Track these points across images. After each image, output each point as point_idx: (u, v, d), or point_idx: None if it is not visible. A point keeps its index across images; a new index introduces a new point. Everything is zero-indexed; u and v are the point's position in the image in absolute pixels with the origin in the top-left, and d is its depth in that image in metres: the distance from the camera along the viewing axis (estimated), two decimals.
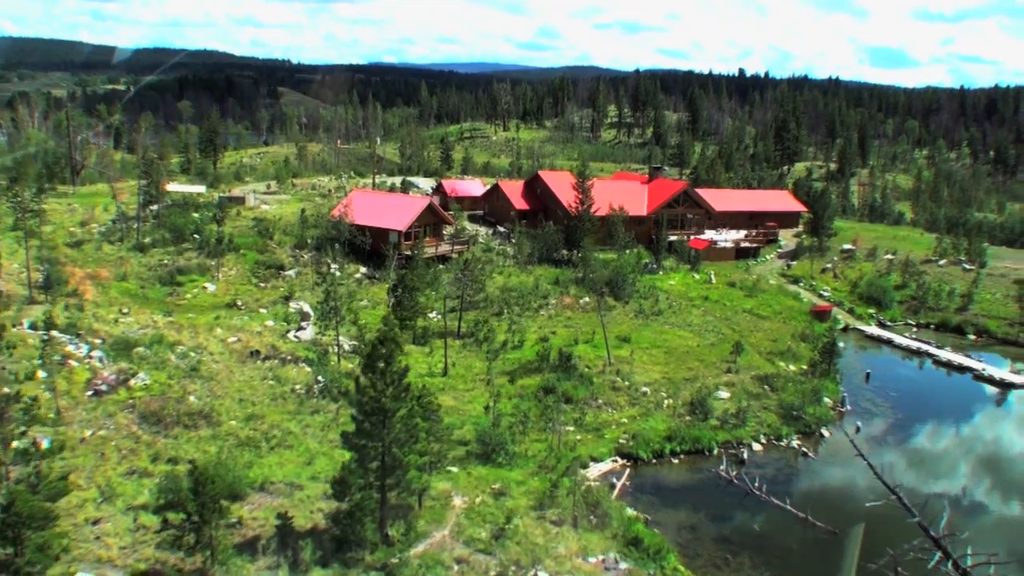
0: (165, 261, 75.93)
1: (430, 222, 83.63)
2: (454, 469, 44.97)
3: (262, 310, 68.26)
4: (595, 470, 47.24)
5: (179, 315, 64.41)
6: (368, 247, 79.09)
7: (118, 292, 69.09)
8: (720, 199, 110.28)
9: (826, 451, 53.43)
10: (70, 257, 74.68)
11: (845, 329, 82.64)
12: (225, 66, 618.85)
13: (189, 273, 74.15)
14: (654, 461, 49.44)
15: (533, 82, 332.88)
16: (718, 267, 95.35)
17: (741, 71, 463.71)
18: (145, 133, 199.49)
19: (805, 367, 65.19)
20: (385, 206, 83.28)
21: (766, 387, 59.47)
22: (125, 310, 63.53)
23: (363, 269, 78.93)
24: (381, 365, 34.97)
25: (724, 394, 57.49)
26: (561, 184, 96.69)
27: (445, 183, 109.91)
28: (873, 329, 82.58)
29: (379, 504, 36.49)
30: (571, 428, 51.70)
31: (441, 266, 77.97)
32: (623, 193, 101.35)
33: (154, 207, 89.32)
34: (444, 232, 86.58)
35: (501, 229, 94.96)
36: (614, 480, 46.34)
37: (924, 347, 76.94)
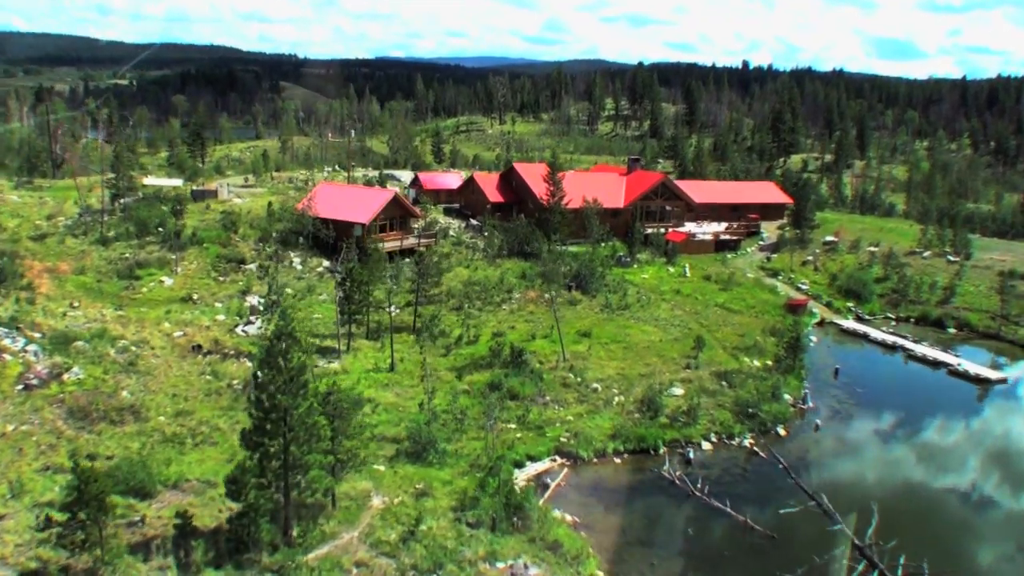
0: (126, 255, 74.57)
1: (396, 215, 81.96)
2: (381, 468, 43.43)
3: (217, 304, 66.76)
4: (531, 469, 45.57)
5: (131, 309, 63.01)
6: (332, 240, 77.50)
7: (74, 286, 67.70)
8: (701, 191, 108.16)
9: (781, 451, 51.44)
10: (31, 250, 73.34)
11: (821, 323, 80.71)
12: (231, 61, 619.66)
13: (148, 267, 72.74)
14: (595, 460, 47.71)
15: (535, 76, 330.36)
16: (696, 260, 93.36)
17: (745, 63, 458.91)
18: (140, 127, 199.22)
19: (770, 363, 63.30)
20: (349, 199, 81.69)
21: (724, 383, 57.66)
22: (75, 304, 62.19)
23: (326, 263, 77.31)
24: (278, 361, 33.39)
25: (678, 391, 55.71)
26: (535, 176, 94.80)
27: (421, 176, 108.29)
28: (850, 323, 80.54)
29: (282, 505, 34.96)
30: (513, 426, 50.04)
31: (407, 260, 76.28)
32: (600, 185, 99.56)
33: (124, 200, 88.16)
34: (412, 225, 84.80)
35: (474, 222, 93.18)
36: (549, 480, 44.67)
37: (900, 341, 74.87)
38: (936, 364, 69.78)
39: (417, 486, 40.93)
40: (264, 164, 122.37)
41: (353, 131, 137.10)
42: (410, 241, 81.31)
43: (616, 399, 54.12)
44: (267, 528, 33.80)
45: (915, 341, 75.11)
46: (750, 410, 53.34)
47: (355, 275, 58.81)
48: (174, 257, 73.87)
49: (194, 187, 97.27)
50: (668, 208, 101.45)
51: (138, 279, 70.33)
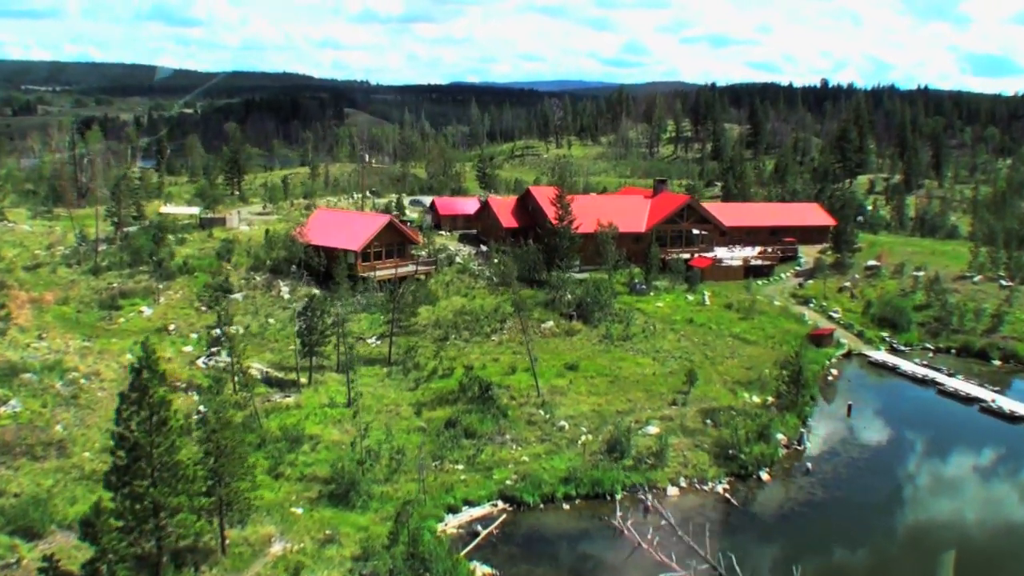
0: (115, 284, 74.82)
1: (394, 242, 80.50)
2: (298, 510, 41.30)
3: (193, 335, 66.11)
4: (465, 515, 42.77)
5: (100, 340, 62.76)
6: (323, 268, 76.40)
7: (54, 316, 68.02)
8: (735, 214, 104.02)
9: (762, 498, 47.49)
10: (20, 280, 74.21)
11: (848, 355, 75.84)
12: (302, 88, 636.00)
13: (133, 297, 72.77)
14: (542, 506, 44.62)
15: (598, 97, 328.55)
16: (721, 287, 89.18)
17: (824, 82, 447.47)
18: (191, 155, 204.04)
19: (771, 399, 59.22)
20: (342, 225, 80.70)
21: (708, 422, 53.87)
22: (43, 335, 62.20)
23: (316, 291, 76.14)
24: (141, 396, 31.65)
25: (653, 429, 52.18)
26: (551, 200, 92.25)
27: (437, 201, 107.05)
28: (880, 355, 75.33)
29: (155, 549, 33.06)
30: (460, 467, 47.37)
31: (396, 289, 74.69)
32: (623, 209, 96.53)
33: (130, 229, 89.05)
34: (413, 252, 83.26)
35: (484, 248, 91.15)
36: (481, 528, 41.72)
37: (933, 375, 69.58)
38: (968, 400, 64.42)
39: (326, 532, 38.61)
40: (285, 191, 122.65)
41: (367, 155, 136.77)
42: (407, 269, 79.60)
43: (583, 438, 50.96)
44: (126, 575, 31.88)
45: (949, 374, 69.70)
46: (730, 452, 49.43)
47: (316, 304, 57.13)
48: (160, 287, 73.74)
49: (203, 215, 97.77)
50: (696, 232, 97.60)
51: (119, 309, 70.30)
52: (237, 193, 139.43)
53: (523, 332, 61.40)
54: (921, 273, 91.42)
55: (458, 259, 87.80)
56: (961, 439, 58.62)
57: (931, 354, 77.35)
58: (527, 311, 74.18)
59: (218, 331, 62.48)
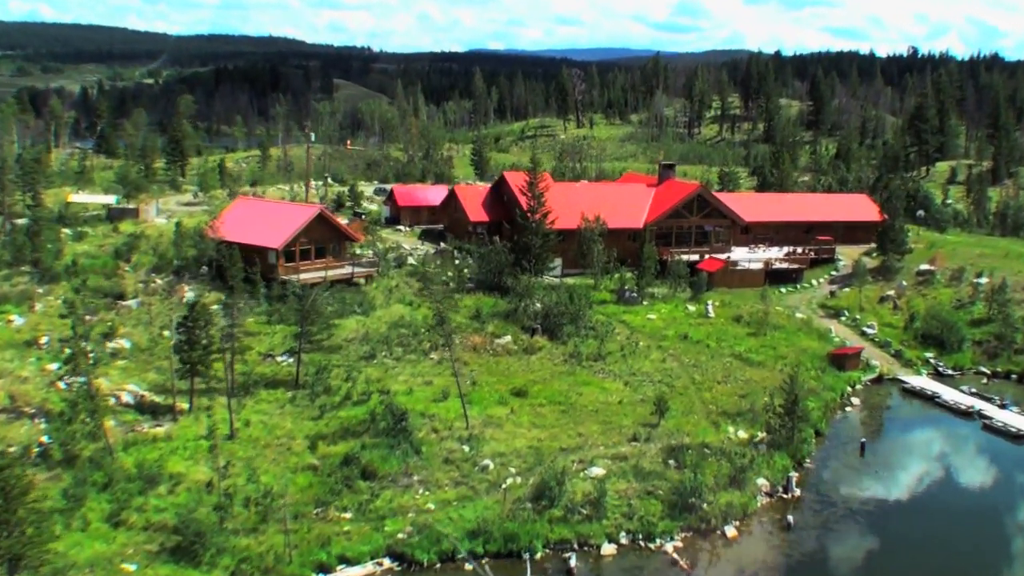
0: None
1: (325, 238, 79.09)
2: (131, 567, 39.89)
3: (68, 349, 64.95)
4: None
5: None
6: (244, 270, 75.01)
7: None
8: (758, 207, 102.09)
9: (722, 560, 45.32)
10: None
11: (879, 380, 73.89)
12: (289, 55, 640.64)
13: (6, 303, 71.87)
14: (438, 566, 42.81)
15: (631, 68, 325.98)
16: (735, 296, 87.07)
17: (913, 51, 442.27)
18: (137, 132, 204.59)
19: (761, 434, 57.15)
20: (264, 218, 79.40)
21: (672, 462, 51.83)
22: None
23: (223, 298, 75.06)
24: None
25: (597, 471, 50.28)
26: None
27: (397, 189, 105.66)
28: (919, 380, 72.95)
29: None
30: (348, 515, 45.77)
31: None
32: (619, 199, 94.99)
33: (20, 221, 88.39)
34: (351, 251, 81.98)
35: (444, 246, 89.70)
36: None
37: (981, 405, 67.05)
38: (1020, 438, 61.83)
39: None
40: (221, 177, 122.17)
41: (313, 135, 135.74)
42: (340, 271, 78.25)
43: (508, 481, 49.15)
44: None
45: (1001, 405, 67.14)
46: (691, 500, 47.34)
47: (197, 313, 55.80)
48: (40, 291, 72.95)
49: (113, 206, 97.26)
50: (709, 228, 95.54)
51: None
52: (182, 179, 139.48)
53: (448, 349, 59.60)
54: (983, 280, 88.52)
55: (411, 260, 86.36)
56: (1000, 487, 55.98)
57: (986, 380, 75.13)
58: (484, 324, 72.93)
59: (82, 344, 61.53)
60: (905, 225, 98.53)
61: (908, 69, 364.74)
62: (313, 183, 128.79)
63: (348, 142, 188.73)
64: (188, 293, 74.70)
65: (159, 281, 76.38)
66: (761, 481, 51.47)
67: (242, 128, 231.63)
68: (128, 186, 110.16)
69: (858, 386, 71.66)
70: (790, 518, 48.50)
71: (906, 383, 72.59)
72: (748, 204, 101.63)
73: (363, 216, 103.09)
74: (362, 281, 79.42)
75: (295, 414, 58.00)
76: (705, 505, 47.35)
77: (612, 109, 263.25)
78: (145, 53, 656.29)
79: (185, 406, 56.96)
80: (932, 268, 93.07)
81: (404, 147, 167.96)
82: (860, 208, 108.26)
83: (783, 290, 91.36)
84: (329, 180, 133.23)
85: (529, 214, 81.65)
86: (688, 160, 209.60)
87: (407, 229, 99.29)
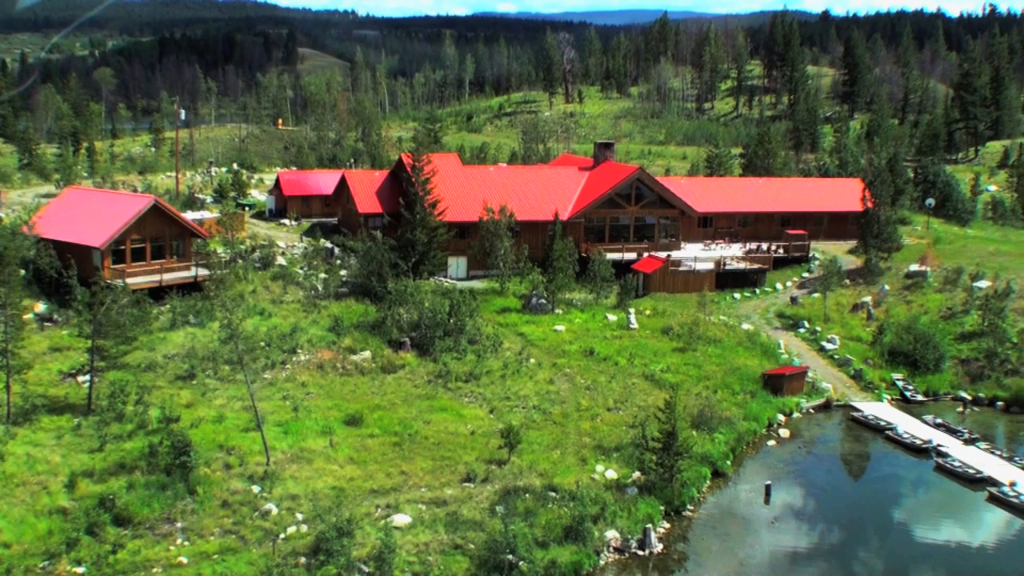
0: None
1: (162, 235, 77.59)
2: None
3: None
4: None
5: None
6: (57, 272, 73.79)
7: None
8: (718, 195, 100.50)
9: None
10: None
11: (827, 406, 71.76)
12: (258, 21, 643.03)
13: None
14: None
15: (633, 30, 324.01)
16: (678, 302, 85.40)
17: (991, 8, 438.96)
18: (46, 113, 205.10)
19: (637, 473, 55.32)
20: (92, 211, 77.91)
21: (500, 509, 49.99)
22: None
23: (42, 306, 73.78)
24: None
25: (402, 519, 48.51)
26: (440, 172, 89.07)
27: (283, 176, 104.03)
28: (874, 408, 70.87)
29: None
30: (81, 570, 44.14)
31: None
32: (545, 187, 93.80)
33: None
34: (197, 250, 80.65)
35: (324, 243, 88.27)
36: None
37: (942, 440, 64.78)
38: (977, 483, 59.39)
39: None
40: (91, 163, 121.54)
41: (184, 112, 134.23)
42: (180, 274, 76.89)
43: (291, 529, 47.54)
44: None
45: (968, 440, 64.84)
46: (510, 558, 45.32)
47: None
48: None
49: None
50: (652, 220, 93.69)
51: None
52: (85, 167, 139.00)
53: (243, 369, 57.88)
54: (983, 284, 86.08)
55: (281, 260, 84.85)
56: (932, 546, 53.32)
57: (962, 408, 72.99)
58: (340, 336, 71.50)
59: None
60: (910, 217, 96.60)
61: (982, 30, 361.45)
62: (214, 170, 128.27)
63: (279, 121, 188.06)
64: None
65: None
66: (612, 534, 49.39)
67: (170, 105, 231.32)
68: None
69: (796, 414, 69.62)
70: None
71: (860, 411, 70.39)
72: (707, 192, 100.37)
73: (246, 208, 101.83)
74: (212, 285, 77.94)
75: (74, 445, 56.48)
76: (523, 564, 45.26)
77: (610, 80, 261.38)
78: (90, 21, 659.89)
79: None
80: (924, 269, 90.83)
81: (330, 127, 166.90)
82: (851, 196, 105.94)
83: (737, 296, 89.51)
84: (214, 167, 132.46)
85: (411, 204, 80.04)
86: (694, 140, 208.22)
87: (293, 223, 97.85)
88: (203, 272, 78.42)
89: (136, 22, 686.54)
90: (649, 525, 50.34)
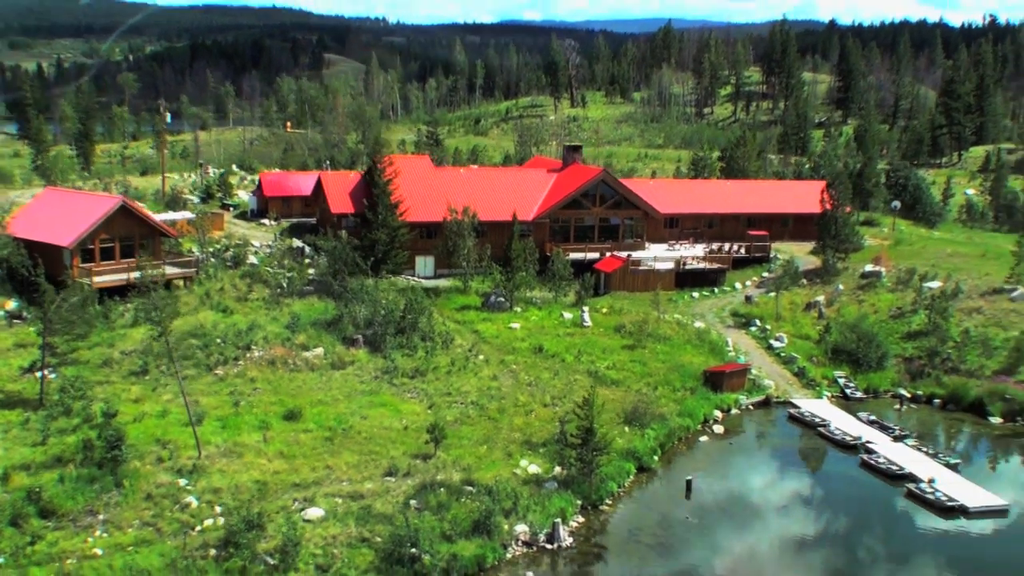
0: None
1: (131, 235, 77.30)
2: None
3: None
4: None
5: None
6: (28, 271, 73.56)
7: None
8: (682, 196, 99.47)
9: None
10: None
11: (766, 402, 70.72)
12: (292, 28, 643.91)
13: None
14: None
15: (638, 37, 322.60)
16: (637, 300, 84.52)
17: (991, 19, 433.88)
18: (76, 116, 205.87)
19: (560, 468, 54.50)
20: (64, 212, 77.79)
21: (413, 503, 49.33)
22: None
23: (12, 303, 73.68)
24: None
25: (316, 512, 47.86)
26: (409, 174, 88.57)
27: (264, 177, 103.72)
28: (812, 404, 69.76)
29: None
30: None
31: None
32: (512, 188, 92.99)
33: None
34: (167, 249, 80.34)
35: (295, 242, 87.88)
36: None
37: (872, 437, 63.80)
38: (898, 479, 58.36)
39: None
40: (86, 165, 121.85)
41: (168, 113, 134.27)
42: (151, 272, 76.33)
43: (208, 522, 46.95)
44: None
45: (898, 437, 63.88)
46: (413, 551, 44.62)
47: None
48: None
49: None
50: (617, 221, 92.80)
51: None
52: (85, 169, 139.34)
53: (174, 368, 57.37)
54: (934, 284, 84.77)
55: (253, 259, 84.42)
56: (847, 545, 52.15)
57: (899, 406, 71.76)
58: (295, 332, 70.95)
59: None
60: (878, 219, 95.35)
61: (975, 39, 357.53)
62: (212, 170, 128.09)
63: (288, 124, 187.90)
64: None
65: None
66: (521, 528, 48.54)
67: (190, 108, 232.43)
68: None
69: (734, 411, 68.60)
70: (529, 575, 45.60)
71: (800, 407, 69.27)
72: (674, 193, 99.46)
73: (231, 208, 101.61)
74: (181, 283, 77.59)
75: (19, 439, 56.07)
76: (425, 557, 44.55)
77: (614, 86, 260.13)
78: (130, 27, 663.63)
79: None
80: (878, 269, 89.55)
81: (331, 130, 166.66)
82: (816, 198, 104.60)
83: (695, 295, 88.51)
84: (212, 168, 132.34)
85: (374, 205, 79.50)
86: (692, 144, 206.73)
87: (272, 223, 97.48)
88: (172, 270, 78.13)
89: (175, 28, 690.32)
90: (559, 519, 49.42)
